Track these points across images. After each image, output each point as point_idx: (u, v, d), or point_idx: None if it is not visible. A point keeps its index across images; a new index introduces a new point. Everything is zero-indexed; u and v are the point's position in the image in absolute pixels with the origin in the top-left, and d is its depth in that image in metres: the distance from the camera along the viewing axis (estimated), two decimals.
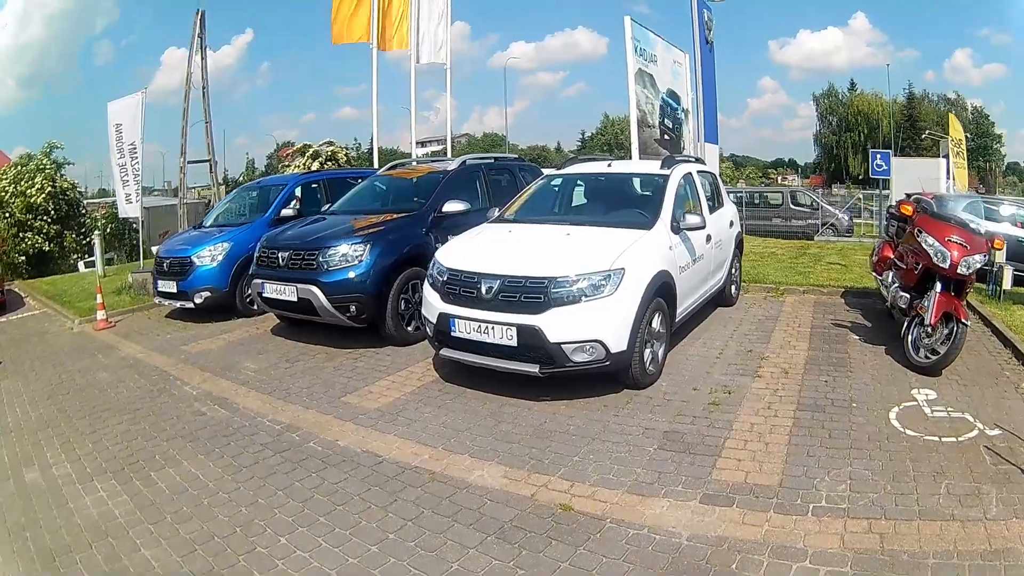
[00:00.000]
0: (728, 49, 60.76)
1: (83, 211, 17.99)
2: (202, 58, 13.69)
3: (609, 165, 6.01)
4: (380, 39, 12.04)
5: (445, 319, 4.21)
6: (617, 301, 3.95)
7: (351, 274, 5.32)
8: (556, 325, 3.84)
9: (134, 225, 12.99)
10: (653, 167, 5.51)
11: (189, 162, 20.65)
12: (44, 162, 16.11)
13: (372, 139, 11.66)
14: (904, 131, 42.85)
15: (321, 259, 5.43)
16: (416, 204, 6.28)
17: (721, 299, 6.49)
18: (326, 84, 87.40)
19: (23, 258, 12.72)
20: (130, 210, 10.89)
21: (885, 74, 75.41)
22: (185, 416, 4.42)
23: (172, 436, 4.09)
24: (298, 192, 8.49)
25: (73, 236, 16.41)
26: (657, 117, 9.25)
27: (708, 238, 5.43)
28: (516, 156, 10.01)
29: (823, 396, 4.15)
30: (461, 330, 4.12)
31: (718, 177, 7.10)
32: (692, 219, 4.83)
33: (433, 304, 4.35)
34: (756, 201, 20.40)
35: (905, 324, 4.78)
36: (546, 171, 6.72)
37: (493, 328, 3.98)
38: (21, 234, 14.61)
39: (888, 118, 41.39)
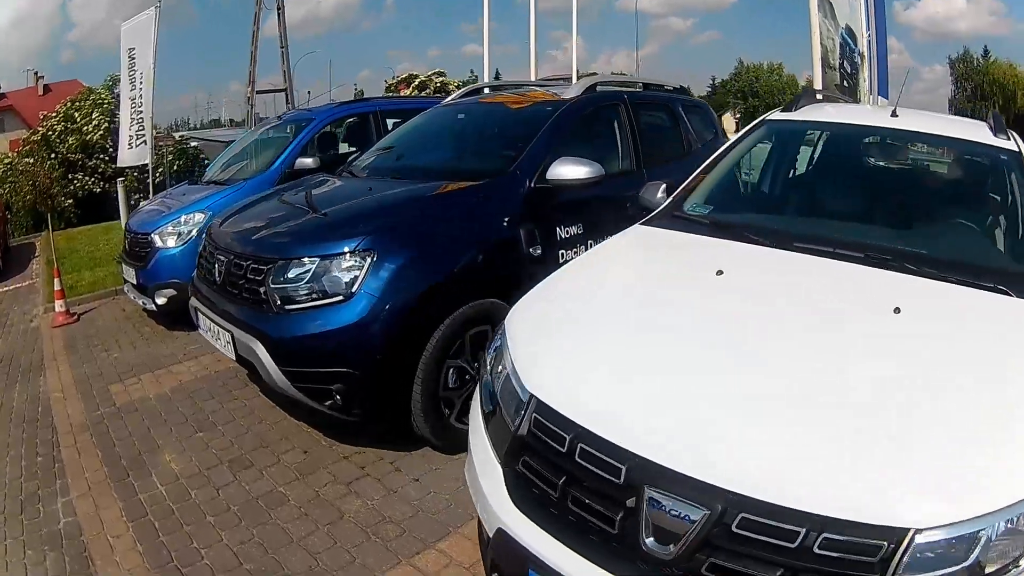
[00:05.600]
0: None
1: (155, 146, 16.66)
2: None
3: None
4: None
5: None
6: None
7: (332, 321, 2.40)
8: None
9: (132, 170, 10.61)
10: None
11: (258, 92, 18.81)
12: (103, 96, 14.59)
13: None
14: None
15: (272, 282, 2.52)
16: (500, 162, 3.14)
17: None
18: (451, 20, 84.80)
19: (70, 202, 11.24)
20: (128, 157, 8.68)
21: (1008, 43, 65.56)
22: None
23: None
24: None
25: (134, 175, 15.08)
26: (838, 57, 7.35)
27: None
28: (677, 85, 5.16)
29: None
30: None
31: None
32: None
33: None
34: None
35: None
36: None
37: None
38: (70, 175, 13.21)
39: (1022, 90, 37.09)
